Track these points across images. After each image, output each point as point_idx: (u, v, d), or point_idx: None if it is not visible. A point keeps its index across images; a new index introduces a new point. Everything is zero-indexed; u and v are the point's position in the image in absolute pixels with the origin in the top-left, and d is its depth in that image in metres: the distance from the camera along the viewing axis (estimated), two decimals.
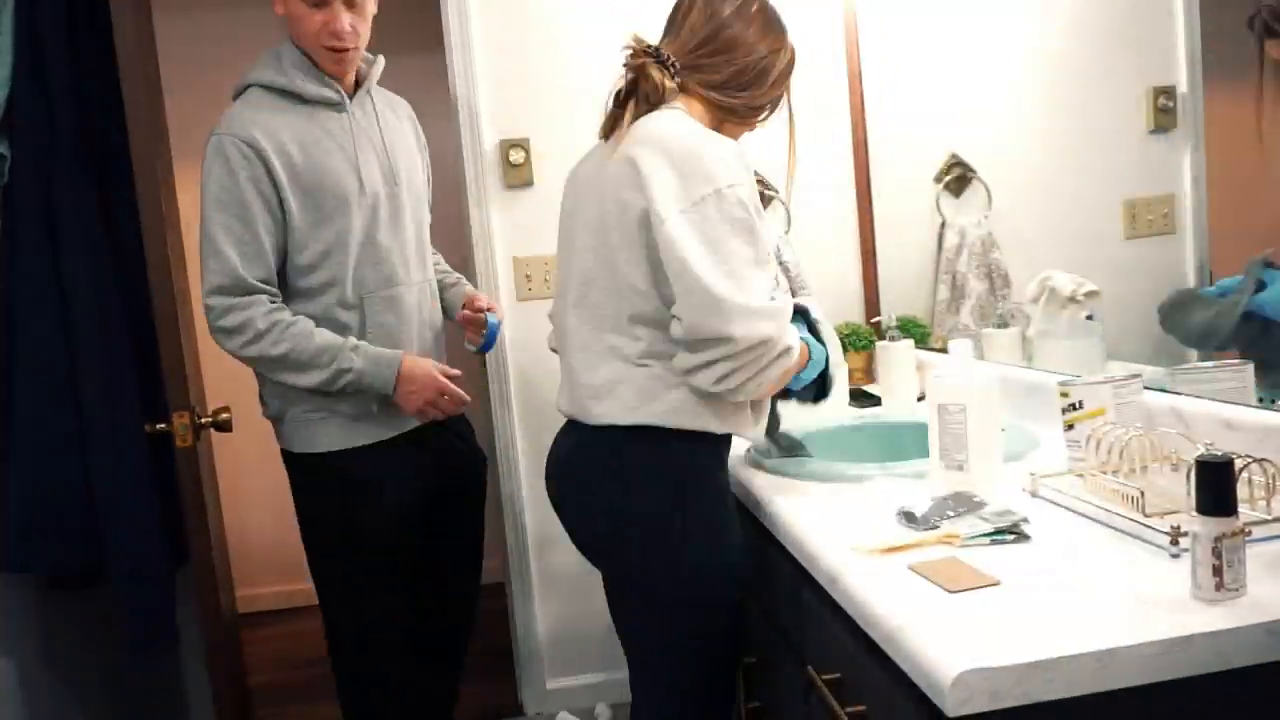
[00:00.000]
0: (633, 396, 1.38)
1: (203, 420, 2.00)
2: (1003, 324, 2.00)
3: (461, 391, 1.86)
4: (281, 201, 1.72)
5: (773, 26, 1.47)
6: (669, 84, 1.37)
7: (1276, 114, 1.33)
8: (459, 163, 2.46)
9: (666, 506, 1.39)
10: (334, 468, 1.81)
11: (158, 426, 1.98)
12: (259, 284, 1.71)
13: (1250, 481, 1.10)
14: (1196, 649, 0.85)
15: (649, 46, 1.41)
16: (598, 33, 2.47)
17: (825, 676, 1.17)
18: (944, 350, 2.22)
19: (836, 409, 2.11)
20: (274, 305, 1.73)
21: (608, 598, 1.63)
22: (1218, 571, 0.90)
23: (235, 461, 3.33)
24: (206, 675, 2.09)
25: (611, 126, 1.43)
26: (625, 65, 1.40)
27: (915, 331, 2.27)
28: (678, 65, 1.40)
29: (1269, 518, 1.07)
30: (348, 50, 1.75)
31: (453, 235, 3.04)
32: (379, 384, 1.75)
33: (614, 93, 1.42)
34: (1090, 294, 1.72)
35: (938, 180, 2.20)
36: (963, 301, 2.16)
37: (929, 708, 0.87)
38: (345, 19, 1.72)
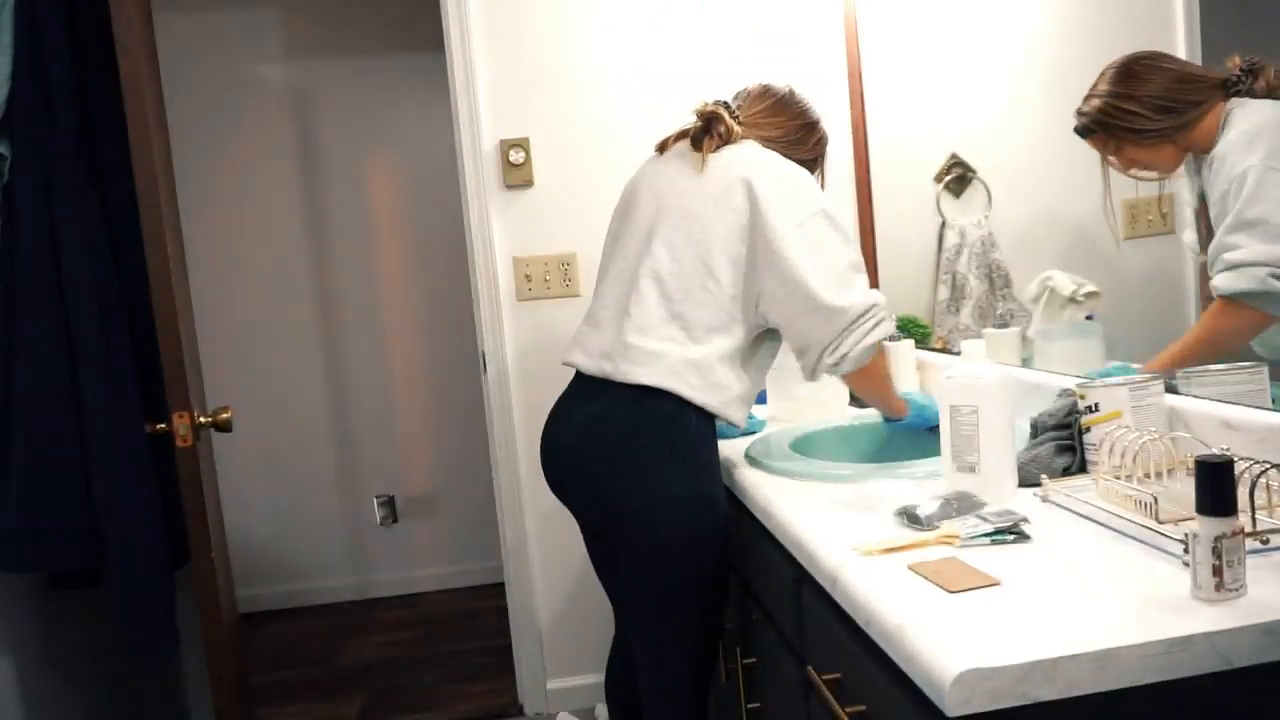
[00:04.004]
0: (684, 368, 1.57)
1: (203, 420, 2.00)
2: (1003, 324, 2.00)
3: None
4: None
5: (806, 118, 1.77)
6: (736, 128, 1.68)
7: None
8: (459, 163, 2.47)
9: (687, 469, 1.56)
10: None
11: (158, 426, 1.98)
12: None
13: (1269, 488, 1.07)
14: (1196, 649, 0.85)
15: (719, 101, 1.72)
16: (598, 33, 2.48)
17: (825, 676, 1.17)
18: (944, 350, 2.23)
19: (837, 409, 2.11)
20: None
21: (601, 558, 1.76)
22: (1218, 571, 0.90)
23: (235, 461, 3.33)
24: (206, 675, 2.08)
25: (686, 146, 1.69)
26: (697, 112, 1.69)
27: (915, 331, 2.27)
28: (740, 117, 1.71)
29: None
30: None
31: (453, 235, 3.04)
32: None
33: (687, 130, 1.70)
34: (1090, 294, 1.72)
35: (938, 180, 2.20)
36: (963, 301, 2.16)
37: (929, 708, 0.87)
38: None
